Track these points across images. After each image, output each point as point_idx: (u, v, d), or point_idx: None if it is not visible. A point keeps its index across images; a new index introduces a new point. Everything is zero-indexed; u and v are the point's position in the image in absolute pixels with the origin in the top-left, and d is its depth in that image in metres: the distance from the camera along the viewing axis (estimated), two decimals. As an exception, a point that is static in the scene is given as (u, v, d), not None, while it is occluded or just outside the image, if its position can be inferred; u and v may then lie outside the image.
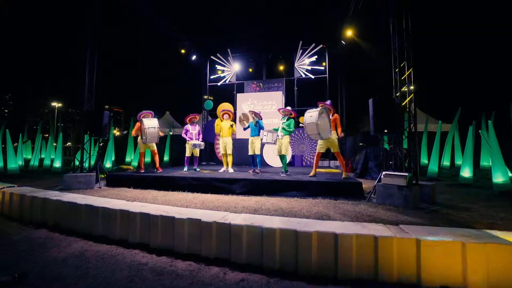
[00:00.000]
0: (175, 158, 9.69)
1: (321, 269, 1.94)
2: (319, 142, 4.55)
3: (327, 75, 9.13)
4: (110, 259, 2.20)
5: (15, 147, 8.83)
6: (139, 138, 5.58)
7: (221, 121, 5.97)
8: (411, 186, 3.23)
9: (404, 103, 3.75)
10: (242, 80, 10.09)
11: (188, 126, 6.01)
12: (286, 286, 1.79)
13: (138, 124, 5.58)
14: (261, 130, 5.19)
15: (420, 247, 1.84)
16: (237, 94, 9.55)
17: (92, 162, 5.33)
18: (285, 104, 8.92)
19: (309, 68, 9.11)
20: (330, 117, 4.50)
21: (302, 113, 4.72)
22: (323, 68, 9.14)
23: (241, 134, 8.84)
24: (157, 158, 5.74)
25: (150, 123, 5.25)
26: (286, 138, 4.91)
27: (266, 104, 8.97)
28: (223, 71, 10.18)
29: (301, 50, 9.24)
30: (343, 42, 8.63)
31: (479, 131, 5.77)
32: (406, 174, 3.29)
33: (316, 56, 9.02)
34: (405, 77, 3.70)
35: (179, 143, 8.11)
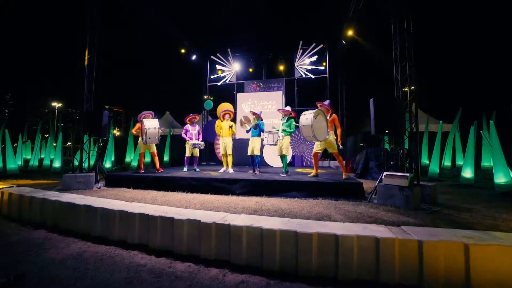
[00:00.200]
0: (175, 158, 9.67)
1: (321, 270, 1.92)
2: (316, 142, 4.54)
3: (327, 75, 9.11)
4: (109, 260, 2.17)
5: (15, 147, 8.82)
6: (139, 138, 5.56)
7: (222, 121, 5.95)
8: (413, 187, 3.21)
9: (405, 102, 3.73)
10: (242, 80, 10.07)
11: (188, 126, 5.99)
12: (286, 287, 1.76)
13: (138, 124, 5.57)
14: (261, 133, 5.18)
15: (422, 249, 1.81)
16: (237, 94, 9.53)
17: (92, 162, 5.31)
18: (285, 104, 8.90)
19: (310, 68, 9.09)
20: (328, 117, 4.46)
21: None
22: (323, 68, 9.12)
23: (241, 134, 8.81)
24: (156, 159, 5.72)
25: (151, 124, 5.23)
26: (287, 139, 4.89)
27: (266, 104, 8.95)
28: (223, 71, 10.16)
29: (301, 50, 9.23)
30: (343, 41, 8.60)
31: (481, 131, 5.74)
32: (408, 174, 3.26)
33: (316, 56, 9.00)
34: (406, 76, 3.67)
35: (179, 143, 8.09)
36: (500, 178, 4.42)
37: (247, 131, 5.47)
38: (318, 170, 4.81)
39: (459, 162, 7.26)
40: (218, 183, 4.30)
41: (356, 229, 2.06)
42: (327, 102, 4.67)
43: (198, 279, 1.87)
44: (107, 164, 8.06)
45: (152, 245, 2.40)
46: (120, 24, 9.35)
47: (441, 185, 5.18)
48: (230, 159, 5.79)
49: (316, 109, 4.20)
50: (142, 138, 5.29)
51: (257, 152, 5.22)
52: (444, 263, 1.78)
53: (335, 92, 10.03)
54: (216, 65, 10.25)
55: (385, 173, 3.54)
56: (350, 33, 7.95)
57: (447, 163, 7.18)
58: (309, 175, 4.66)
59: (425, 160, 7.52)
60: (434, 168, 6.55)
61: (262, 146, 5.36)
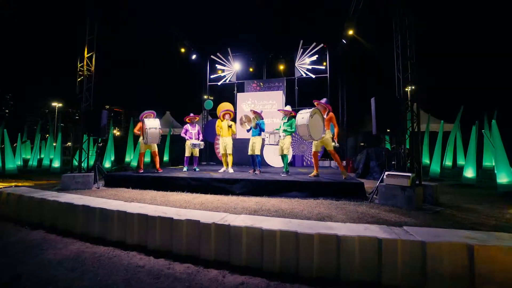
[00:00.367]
0: (175, 158, 9.64)
1: (322, 271, 1.89)
2: (314, 141, 4.52)
3: (328, 75, 9.07)
4: (107, 261, 2.14)
5: (14, 147, 8.79)
6: (140, 137, 5.53)
7: (222, 121, 5.92)
8: (414, 187, 3.17)
9: (406, 102, 3.70)
10: (243, 80, 10.03)
11: (188, 126, 5.97)
12: (287, 289, 1.73)
13: (140, 124, 5.53)
14: (262, 133, 5.15)
15: (426, 250, 1.78)
16: (238, 94, 9.50)
17: (91, 163, 5.28)
18: (285, 104, 8.87)
19: (310, 67, 9.05)
20: (325, 116, 4.42)
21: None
22: (323, 67, 9.08)
23: (241, 134, 8.78)
24: (157, 159, 5.69)
25: (152, 124, 5.20)
26: (288, 138, 4.86)
27: (267, 103, 8.92)
28: (223, 71, 10.13)
29: (301, 50, 9.19)
30: (344, 41, 8.57)
31: (482, 130, 5.71)
32: (409, 174, 3.23)
33: (316, 56, 8.96)
34: (408, 75, 3.64)
35: (179, 143, 8.06)
36: (502, 178, 4.39)
37: (248, 131, 5.44)
38: (319, 170, 4.78)
39: (460, 161, 7.22)
40: (218, 183, 4.27)
41: (358, 229, 2.03)
42: (324, 100, 4.60)
43: (197, 280, 1.84)
44: (107, 164, 8.03)
45: (151, 246, 2.37)
46: (120, 24, 9.32)
47: (442, 185, 5.14)
48: (230, 159, 5.76)
49: (312, 108, 4.16)
50: (143, 138, 5.27)
51: (257, 152, 5.18)
52: (448, 265, 1.75)
53: (336, 92, 10.00)
54: (216, 65, 10.21)
55: (386, 173, 3.50)
56: (350, 32, 7.91)
57: (448, 162, 7.14)
58: (309, 175, 4.63)
59: (425, 160, 7.49)
60: (435, 168, 6.51)
61: (262, 146, 5.33)
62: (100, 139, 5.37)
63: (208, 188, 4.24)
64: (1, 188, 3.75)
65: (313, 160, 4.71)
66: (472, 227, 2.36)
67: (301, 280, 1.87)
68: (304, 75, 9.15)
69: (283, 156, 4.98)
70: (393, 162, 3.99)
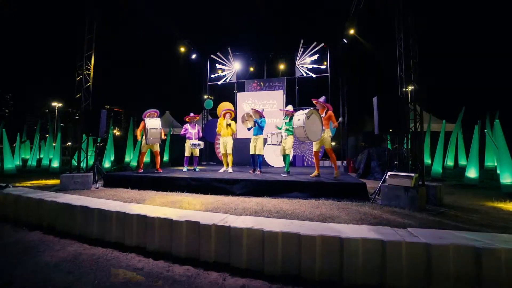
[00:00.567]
0: (174, 158, 9.60)
1: (325, 274, 1.85)
2: (314, 142, 4.46)
3: (328, 74, 9.03)
4: (105, 263, 2.10)
5: (14, 147, 8.75)
6: (142, 137, 5.48)
7: (223, 119, 5.86)
8: (418, 187, 3.12)
9: (409, 101, 3.65)
10: (243, 79, 9.99)
11: (188, 125, 5.92)
12: (289, 293, 1.69)
13: (142, 123, 5.48)
14: (263, 132, 5.10)
15: (431, 252, 1.74)
16: (238, 93, 9.46)
17: (90, 163, 5.24)
18: (286, 103, 8.83)
19: (310, 67, 9.01)
20: (323, 115, 4.35)
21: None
22: (324, 67, 9.04)
23: (242, 134, 8.74)
24: (158, 159, 5.63)
25: (152, 124, 5.14)
26: (291, 138, 4.81)
27: (267, 103, 8.88)
28: (223, 70, 10.08)
29: (302, 49, 9.15)
30: (344, 40, 8.52)
31: (485, 130, 5.66)
32: (412, 174, 3.19)
33: (317, 55, 8.91)
34: (411, 74, 3.59)
35: (179, 143, 8.02)
36: (506, 179, 4.34)
37: (249, 129, 5.39)
38: (320, 170, 4.73)
39: (462, 162, 7.18)
40: (218, 184, 4.23)
41: (361, 231, 1.98)
42: (322, 98, 4.52)
43: (197, 283, 1.79)
44: (106, 164, 7.99)
45: (150, 248, 2.32)
46: (120, 24, 9.28)
47: (445, 185, 5.09)
48: (230, 158, 5.71)
49: (309, 109, 4.08)
50: (145, 138, 5.22)
51: (259, 152, 5.13)
52: (454, 268, 1.70)
53: (336, 91, 9.95)
54: (216, 64, 10.17)
55: (389, 173, 3.46)
56: (351, 32, 7.87)
57: (449, 162, 7.09)
58: (310, 175, 4.58)
59: (427, 160, 7.44)
60: (437, 168, 6.47)
61: (264, 146, 5.28)
62: (99, 139, 5.33)
63: (208, 189, 4.19)
64: None
65: (314, 160, 4.66)
66: (477, 229, 2.31)
67: (304, 283, 1.82)
68: (305, 74, 9.10)
69: (285, 156, 4.93)
70: (395, 162, 3.95)
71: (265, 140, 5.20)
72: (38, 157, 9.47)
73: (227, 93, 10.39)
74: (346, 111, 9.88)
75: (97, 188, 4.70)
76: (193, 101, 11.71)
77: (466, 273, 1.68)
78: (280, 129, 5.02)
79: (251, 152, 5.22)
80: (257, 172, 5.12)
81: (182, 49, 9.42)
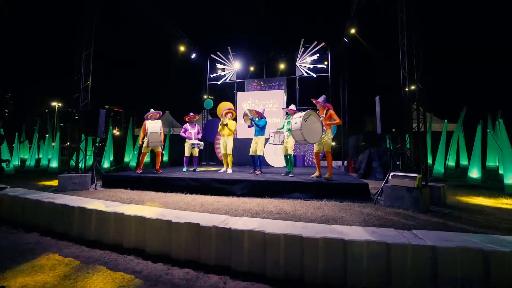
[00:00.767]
0: (174, 158, 9.55)
1: (328, 277, 1.80)
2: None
3: (329, 74, 8.98)
4: (103, 266, 2.05)
5: (12, 147, 8.69)
6: (145, 137, 5.40)
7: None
8: (421, 188, 3.07)
9: (412, 100, 3.59)
10: (243, 79, 9.93)
11: (187, 125, 5.86)
12: (292, 297, 1.64)
13: (143, 126, 5.39)
14: (265, 131, 5.04)
15: (437, 255, 1.69)
16: (238, 93, 9.40)
17: (89, 163, 5.18)
18: (286, 103, 8.78)
19: (311, 66, 8.95)
20: (324, 115, 4.23)
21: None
22: (325, 66, 8.98)
23: (242, 134, 8.69)
24: (159, 159, 5.56)
25: (152, 127, 5.07)
26: (292, 138, 4.75)
27: (268, 103, 8.82)
28: (223, 70, 10.02)
29: (302, 48, 9.09)
30: (345, 40, 8.47)
31: (488, 130, 5.61)
32: (416, 175, 3.13)
33: (318, 55, 8.85)
34: (414, 73, 3.54)
35: (178, 143, 7.96)
36: (510, 179, 4.28)
37: (249, 126, 5.33)
38: (321, 171, 4.67)
39: (463, 162, 7.13)
40: (218, 184, 4.17)
41: (365, 233, 1.94)
42: (321, 98, 4.41)
43: (197, 287, 1.74)
44: (105, 164, 7.94)
45: (148, 250, 2.28)
46: (120, 23, 9.23)
47: (447, 186, 5.04)
48: (230, 158, 5.65)
49: (307, 111, 3.92)
50: (146, 141, 5.17)
51: (259, 152, 5.07)
52: (461, 271, 1.65)
53: (337, 91, 9.90)
54: (216, 64, 10.11)
55: (392, 174, 3.41)
56: (352, 31, 7.82)
57: (451, 163, 7.04)
58: (311, 176, 4.53)
59: (428, 160, 7.39)
60: (439, 168, 6.42)
61: (264, 147, 5.22)
62: (98, 139, 5.27)
63: (208, 189, 4.14)
64: None
65: (314, 160, 4.59)
66: (483, 231, 2.26)
67: (306, 287, 1.78)
68: (305, 74, 9.05)
69: (287, 156, 4.88)
70: (398, 163, 3.89)
71: (266, 140, 5.15)
72: (37, 157, 9.41)
73: (227, 92, 10.33)
74: (347, 110, 9.83)
75: (96, 188, 4.65)
76: (193, 101, 11.66)
77: (474, 277, 1.63)
78: (281, 128, 4.96)
79: (251, 153, 5.17)
80: (258, 172, 5.07)
81: (182, 49, 9.37)
